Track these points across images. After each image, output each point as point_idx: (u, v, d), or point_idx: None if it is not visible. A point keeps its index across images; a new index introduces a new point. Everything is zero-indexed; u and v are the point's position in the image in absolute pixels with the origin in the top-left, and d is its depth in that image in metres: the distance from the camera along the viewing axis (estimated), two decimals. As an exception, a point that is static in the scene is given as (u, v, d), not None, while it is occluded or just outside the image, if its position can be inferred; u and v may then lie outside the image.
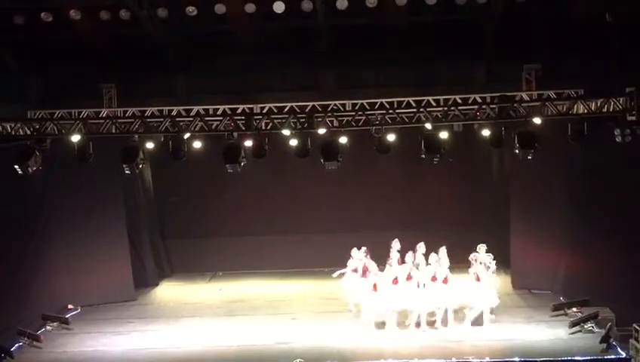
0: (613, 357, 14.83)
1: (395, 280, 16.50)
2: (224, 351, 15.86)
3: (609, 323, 15.72)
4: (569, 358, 14.77)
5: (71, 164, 17.40)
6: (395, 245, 17.46)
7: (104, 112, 17.23)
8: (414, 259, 16.74)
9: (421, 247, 17.12)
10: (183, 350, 16.06)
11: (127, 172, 16.99)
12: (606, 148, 16.79)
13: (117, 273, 19.89)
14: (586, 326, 16.22)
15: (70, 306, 19.10)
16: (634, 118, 15.91)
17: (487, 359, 14.82)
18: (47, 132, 16.82)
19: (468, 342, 15.87)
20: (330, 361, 14.99)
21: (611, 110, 16.20)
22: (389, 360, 14.91)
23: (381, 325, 16.69)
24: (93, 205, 19.43)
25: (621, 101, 16.06)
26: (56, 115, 16.99)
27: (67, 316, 18.43)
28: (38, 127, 16.81)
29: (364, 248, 17.30)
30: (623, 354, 14.89)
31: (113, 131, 16.85)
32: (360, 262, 17.31)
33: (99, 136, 16.83)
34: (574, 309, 17.34)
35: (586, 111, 16.33)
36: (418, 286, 16.46)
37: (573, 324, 16.33)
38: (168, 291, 21.36)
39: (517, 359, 14.83)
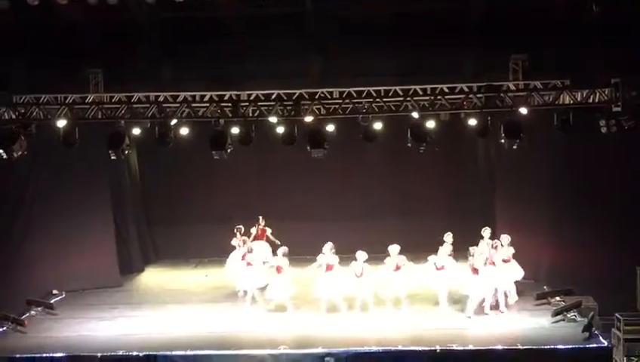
0: (595, 346, 14.88)
1: (492, 262, 16.68)
2: (209, 337, 15.86)
3: (591, 313, 15.80)
4: (551, 347, 14.83)
5: (56, 150, 17.34)
6: (486, 233, 17.49)
7: (90, 98, 17.16)
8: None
9: (486, 231, 17.36)
10: (168, 336, 16.05)
11: (113, 157, 16.97)
12: (591, 138, 16.89)
13: (102, 258, 19.86)
14: (568, 315, 16.30)
15: (55, 291, 19.04)
16: (619, 109, 16.02)
17: (471, 347, 14.89)
18: (32, 117, 16.76)
19: (451, 330, 15.94)
20: (315, 348, 15.05)
21: (597, 101, 16.33)
22: (372, 348, 14.97)
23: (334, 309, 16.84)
24: (78, 190, 19.33)
25: (606, 92, 16.19)
26: (41, 100, 16.94)
27: (52, 301, 18.39)
28: (23, 111, 16.75)
29: (330, 243, 17.20)
30: (605, 343, 14.98)
31: (99, 117, 16.83)
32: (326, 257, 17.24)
33: (85, 121, 16.78)
34: (557, 298, 17.46)
35: (571, 101, 16.43)
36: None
37: (556, 313, 16.43)
38: (154, 277, 21.36)
39: (500, 347, 14.89)
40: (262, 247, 19.36)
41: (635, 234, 16.82)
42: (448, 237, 17.36)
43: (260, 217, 19.76)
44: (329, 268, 16.88)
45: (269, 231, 19.70)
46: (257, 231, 19.65)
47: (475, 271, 16.46)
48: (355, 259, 16.81)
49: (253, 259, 17.85)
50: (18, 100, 17.12)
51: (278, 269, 17.14)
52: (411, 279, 16.97)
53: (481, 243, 17.21)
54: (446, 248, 17.19)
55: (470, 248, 16.80)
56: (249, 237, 19.19)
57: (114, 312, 17.83)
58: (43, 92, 17.09)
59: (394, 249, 16.83)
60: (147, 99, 17.12)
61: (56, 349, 15.16)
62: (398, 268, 16.76)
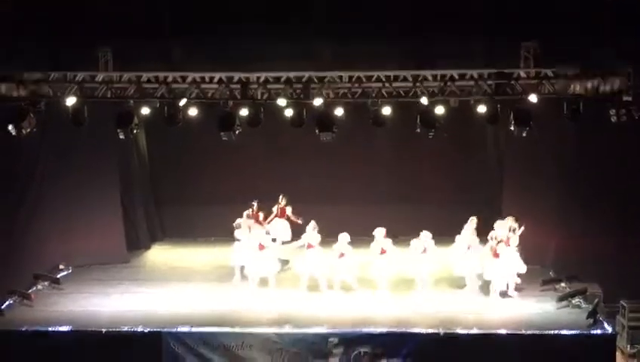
0: (599, 332, 14.87)
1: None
2: (213, 315, 15.96)
3: (596, 299, 15.83)
4: (555, 332, 14.85)
5: (65, 127, 17.39)
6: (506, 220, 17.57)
7: (100, 76, 17.15)
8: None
9: (507, 220, 17.38)
10: (173, 312, 16.16)
11: (121, 136, 17.02)
12: (601, 127, 16.85)
13: (109, 235, 19.95)
14: (573, 301, 16.28)
15: (61, 266, 19.15)
16: (630, 99, 15.97)
17: (475, 330, 14.93)
18: (42, 94, 16.79)
19: (456, 313, 15.98)
20: (319, 327, 15.12)
21: (608, 90, 16.25)
22: (377, 329, 15.03)
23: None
24: (87, 169, 19.39)
25: (618, 81, 16.10)
26: (51, 77, 16.93)
27: (58, 276, 18.51)
28: (33, 88, 16.76)
29: (313, 222, 17.47)
30: (610, 330, 14.97)
31: (108, 95, 16.83)
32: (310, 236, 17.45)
33: (94, 100, 16.80)
34: (563, 284, 17.47)
35: (582, 90, 16.36)
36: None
37: (561, 299, 16.44)
38: (160, 254, 21.43)
39: (504, 331, 14.94)
40: (282, 226, 19.49)
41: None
42: (472, 222, 17.46)
43: (281, 196, 19.83)
44: (309, 246, 17.13)
45: (289, 209, 19.78)
46: (278, 210, 19.77)
47: (497, 255, 16.51)
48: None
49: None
50: (28, 77, 17.14)
51: (261, 246, 17.25)
52: (396, 263, 17.01)
53: (504, 229, 17.24)
54: (465, 232, 17.33)
55: (490, 233, 16.85)
56: (269, 215, 19.43)
57: (120, 288, 17.93)
58: (53, 69, 17.10)
59: (379, 232, 16.91)
60: (156, 79, 17.09)
61: (61, 323, 15.28)
62: (383, 251, 16.81)
